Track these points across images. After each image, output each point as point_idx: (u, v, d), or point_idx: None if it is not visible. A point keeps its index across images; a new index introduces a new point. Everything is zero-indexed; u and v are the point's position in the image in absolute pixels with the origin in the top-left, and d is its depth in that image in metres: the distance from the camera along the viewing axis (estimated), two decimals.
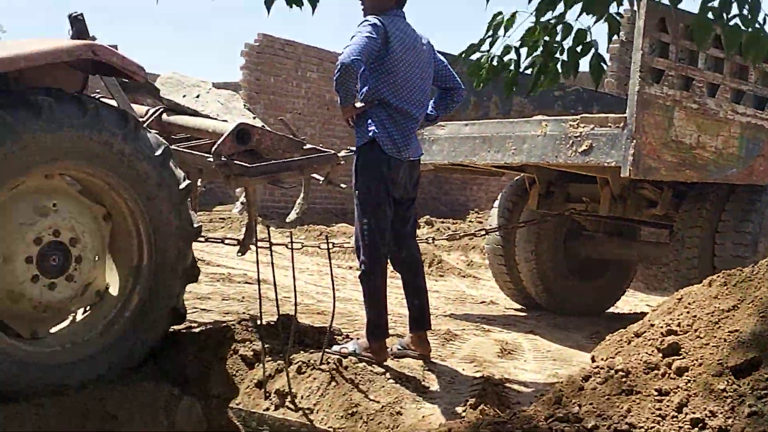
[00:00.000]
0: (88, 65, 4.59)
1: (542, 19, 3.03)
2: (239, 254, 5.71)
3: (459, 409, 4.16)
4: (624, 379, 2.98)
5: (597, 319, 7.32)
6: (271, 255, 4.87)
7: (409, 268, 5.06)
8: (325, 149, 5.71)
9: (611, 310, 8.16)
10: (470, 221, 14.60)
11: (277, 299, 4.92)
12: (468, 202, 16.64)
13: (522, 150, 6.32)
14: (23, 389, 3.97)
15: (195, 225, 4.73)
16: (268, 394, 4.50)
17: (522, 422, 2.93)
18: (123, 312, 4.58)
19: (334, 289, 5.03)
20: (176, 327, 5.15)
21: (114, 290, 4.68)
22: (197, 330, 5.20)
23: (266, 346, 4.70)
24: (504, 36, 3.09)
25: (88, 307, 4.64)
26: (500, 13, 3.12)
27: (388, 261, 4.95)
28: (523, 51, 3.15)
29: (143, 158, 4.39)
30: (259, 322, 4.92)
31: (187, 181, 4.69)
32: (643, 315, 3.94)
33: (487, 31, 3.11)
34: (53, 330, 4.52)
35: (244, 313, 5.61)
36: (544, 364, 5.19)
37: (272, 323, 5.07)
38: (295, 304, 4.90)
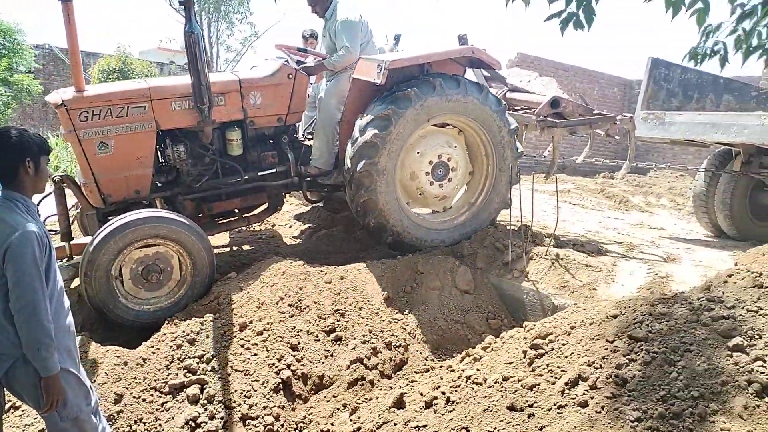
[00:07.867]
0: (467, 61, 4.89)
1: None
2: (545, 179, 5.61)
3: (635, 291, 4.02)
4: (758, 278, 2.76)
5: (737, 243, 6.52)
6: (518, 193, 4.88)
7: None
8: (608, 113, 5.56)
9: None
10: (649, 175, 13.42)
11: (520, 217, 4.98)
12: (650, 164, 15.21)
13: (743, 133, 5.79)
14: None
15: (519, 150, 4.92)
16: (511, 270, 4.56)
17: (680, 298, 2.82)
18: (475, 202, 5.02)
19: (558, 213, 5.00)
20: None
21: (472, 188, 5.09)
22: None
23: (512, 242, 4.78)
24: (713, 36, 3.04)
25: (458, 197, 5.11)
26: (710, 24, 3.05)
27: None
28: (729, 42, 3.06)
29: (491, 111, 4.65)
30: (508, 227, 5.01)
31: (515, 124, 4.87)
32: None
33: (701, 36, 3.07)
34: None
35: (499, 222, 5.69)
36: (695, 268, 4.81)
37: (516, 229, 5.14)
38: (531, 219, 4.93)
